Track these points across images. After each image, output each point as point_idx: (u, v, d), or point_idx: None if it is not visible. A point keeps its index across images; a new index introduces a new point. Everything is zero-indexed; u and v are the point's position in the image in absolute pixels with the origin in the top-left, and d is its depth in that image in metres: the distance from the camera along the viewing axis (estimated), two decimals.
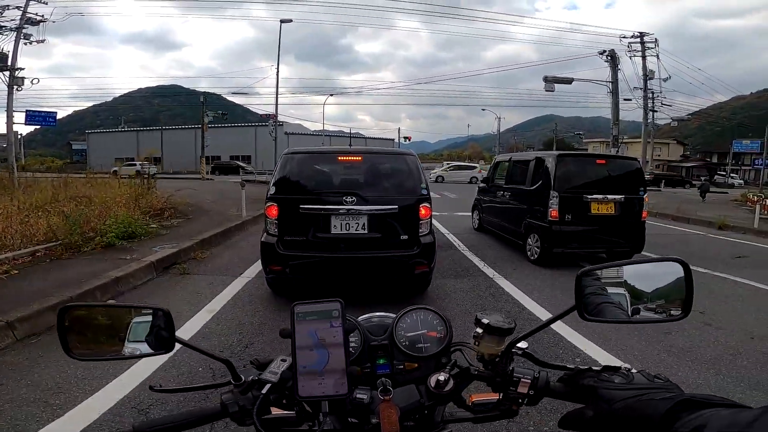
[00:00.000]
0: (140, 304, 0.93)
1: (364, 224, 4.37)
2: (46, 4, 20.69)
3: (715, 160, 65.56)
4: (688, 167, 58.64)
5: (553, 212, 6.44)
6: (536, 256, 6.70)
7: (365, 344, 0.94)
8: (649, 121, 29.53)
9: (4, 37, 19.99)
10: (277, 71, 28.38)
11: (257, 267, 5.72)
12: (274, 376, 0.82)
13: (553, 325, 3.57)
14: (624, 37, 27.24)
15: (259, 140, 52.19)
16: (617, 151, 23.79)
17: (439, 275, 5.60)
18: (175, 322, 0.84)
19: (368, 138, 75.62)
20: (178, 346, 0.86)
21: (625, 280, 0.83)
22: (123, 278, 4.99)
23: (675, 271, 0.81)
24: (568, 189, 6.50)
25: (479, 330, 0.89)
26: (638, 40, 27.09)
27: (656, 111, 29.88)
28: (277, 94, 28.77)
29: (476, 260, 6.84)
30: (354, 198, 4.35)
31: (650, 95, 28.62)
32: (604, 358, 3.43)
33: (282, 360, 0.86)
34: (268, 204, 4.44)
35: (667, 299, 0.82)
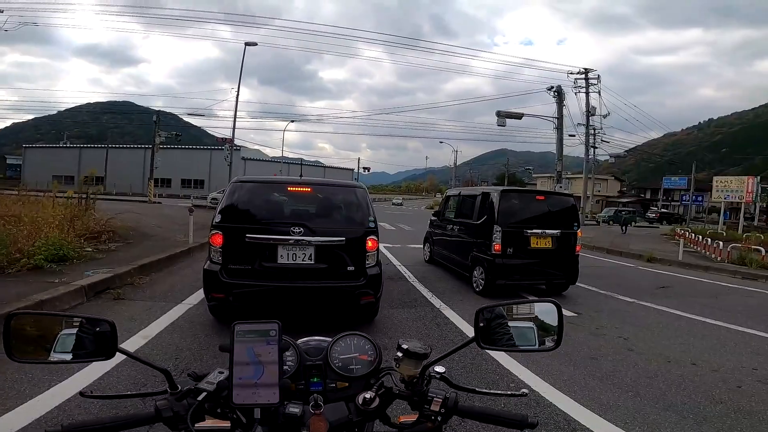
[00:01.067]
0: (87, 315, 0.97)
1: (311, 255, 4.40)
2: (2, 12, 19.60)
3: (648, 195, 71.53)
4: (624, 202, 63.26)
5: (497, 246, 6.72)
6: (481, 287, 6.91)
7: (301, 363, 1.02)
8: (590, 157, 31.15)
9: None
10: (237, 94, 28.07)
11: (200, 294, 5.52)
12: (211, 386, 0.87)
13: (494, 354, 3.77)
14: (571, 73, 28.81)
15: (213, 164, 50.85)
16: (560, 187, 25.21)
17: (387, 305, 5.66)
18: None
19: (327, 167, 75.82)
20: (119, 356, 0.92)
21: (536, 316, 1.03)
22: (48, 301, 4.63)
23: (552, 310, 1.03)
24: (511, 224, 6.83)
25: (399, 354, 0.99)
26: (583, 76, 28.67)
27: (597, 147, 31.59)
28: (235, 117, 28.44)
29: (425, 291, 6.97)
30: (302, 229, 4.38)
31: (592, 131, 30.25)
32: (534, 381, 3.63)
33: (219, 372, 0.91)
34: (213, 232, 4.39)
35: (547, 332, 1.03)
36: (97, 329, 0.94)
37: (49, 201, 10.65)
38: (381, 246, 4.88)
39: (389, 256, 10.31)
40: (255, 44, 28.75)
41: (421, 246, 10.61)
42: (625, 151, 42.01)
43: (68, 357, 0.94)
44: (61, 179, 35.35)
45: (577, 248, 7.29)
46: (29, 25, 22.57)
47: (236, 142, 30.39)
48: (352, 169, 67.52)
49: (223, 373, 0.90)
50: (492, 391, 1.05)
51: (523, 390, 1.03)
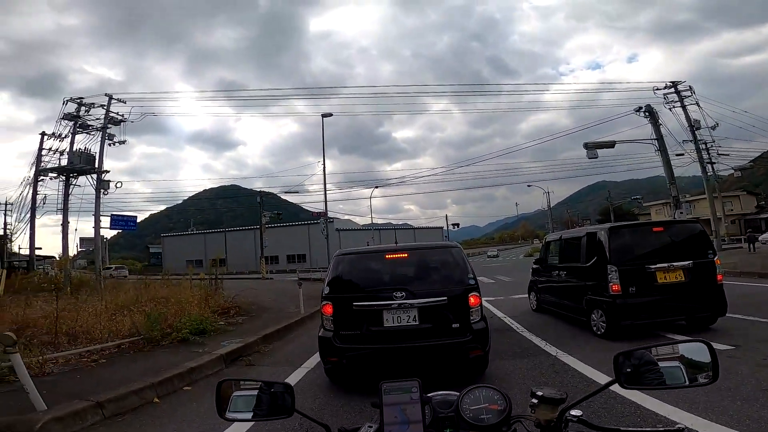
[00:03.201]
0: (269, 380, 1.20)
1: (415, 316, 4.53)
2: (125, 103, 22.51)
3: None
4: (767, 219, 52.77)
5: (614, 286, 6.26)
6: (603, 330, 6.42)
7: (434, 416, 1.12)
8: (709, 174, 27.13)
9: (91, 137, 21.77)
10: (324, 167, 29.65)
11: (316, 358, 5.89)
12: None
13: (632, 397, 3.41)
14: (658, 89, 26.12)
15: (312, 238, 54.44)
16: (681, 213, 22.28)
17: (498, 357, 5.46)
18: None
19: (416, 228, 76.76)
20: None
21: (682, 355, 1.04)
22: (197, 368, 5.38)
23: (701, 348, 1.03)
24: (628, 261, 6.38)
25: (534, 400, 1.06)
26: (672, 90, 25.95)
27: (714, 162, 27.33)
28: (325, 190, 30.42)
29: (536, 340, 6.62)
30: (403, 293, 4.56)
31: (703, 146, 26.52)
32: (689, 419, 3.32)
33: (369, 426, 1.06)
34: (324, 302, 4.78)
35: (699, 369, 1.03)
36: (272, 390, 1.15)
37: (187, 283, 12.49)
38: (483, 300, 4.85)
39: (492, 308, 9.93)
40: (330, 115, 30.86)
41: (526, 295, 10.15)
42: (751, 161, 35.85)
43: (249, 415, 1.14)
44: (193, 263, 40.98)
45: (719, 277, 6.48)
46: (149, 116, 24.35)
47: (328, 214, 32.49)
48: (441, 228, 67.46)
49: (372, 427, 1.04)
50: (641, 429, 1.03)
51: (679, 425, 1.01)
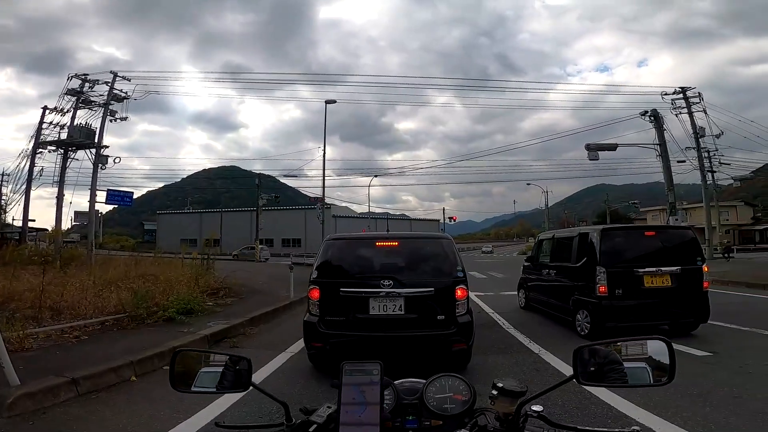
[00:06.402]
0: (229, 352, 1.23)
1: (401, 305, 4.53)
2: (129, 81, 22.37)
3: None
4: (761, 230, 53.10)
5: (602, 288, 6.29)
6: (587, 331, 6.48)
7: (397, 402, 1.11)
8: (708, 182, 27.08)
9: (93, 112, 21.61)
10: (324, 153, 29.37)
11: (301, 343, 5.89)
12: (320, 419, 1.02)
13: (605, 398, 3.44)
14: (666, 94, 25.92)
15: (308, 223, 54.25)
16: (677, 220, 22.30)
17: (481, 352, 5.47)
18: None
19: (413, 220, 76.73)
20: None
21: (650, 356, 1.02)
22: (179, 347, 5.34)
23: (661, 347, 1.01)
24: (617, 263, 6.42)
25: (494, 392, 1.05)
26: (681, 95, 25.77)
27: (715, 171, 27.23)
28: (324, 176, 30.25)
29: (521, 337, 6.65)
30: (391, 281, 4.56)
31: (705, 154, 26.42)
32: (656, 423, 3.35)
33: (327, 407, 1.06)
34: (311, 287, 4.76)
35: (659, 368, 1.01)
36: (237, 367, 1.15)
37: (178, 262, 12.46)
38: (472, 294, 4.87)
39: (481, 304, 9.96)
40: (334, 101, 30.44)
41: (515, 293, 10.16)
42: (752, 172, 35.86)
43: (213, 389, 1.15)
44: (187, 242, 40.95)
45: (705, 284, 6.56)
46: (152, 94, 24.32)
47: (326, 200, 32.34)
48: (438, 220, 67.48)
49: (330, 408, 1.03)
50: (596, 429, 1.02)
51: (634, 427, 0.99)
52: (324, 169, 29.79)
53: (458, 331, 4.52)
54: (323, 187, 30.50)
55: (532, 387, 1.08)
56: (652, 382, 0.99)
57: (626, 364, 0.99)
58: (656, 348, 1.01)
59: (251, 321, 7.50)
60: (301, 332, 5.02)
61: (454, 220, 60.66)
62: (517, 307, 9.60)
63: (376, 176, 47.52)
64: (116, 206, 26.71)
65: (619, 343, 1.03)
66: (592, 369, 1.00)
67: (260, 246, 35.53)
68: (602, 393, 3.80)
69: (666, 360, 1.00)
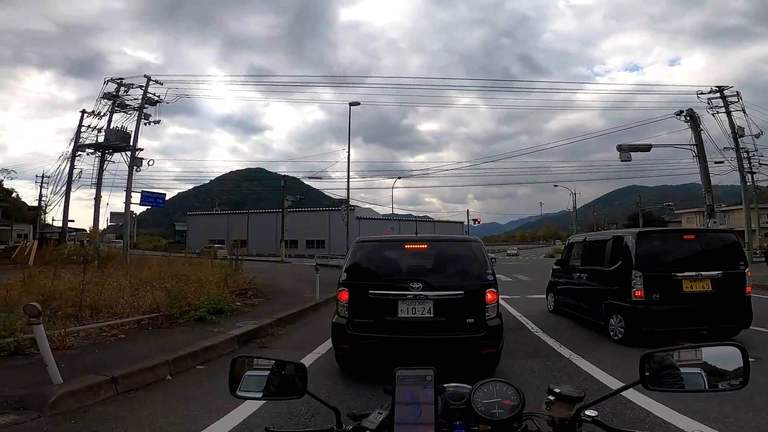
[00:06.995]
0: (285, 359, 1.19)
1: (430, 308, 4.48)
2: (162, 84, 23.27)
3: None
4: None
5: (638, 292, 6.11)
6: (620, 335, 6.29)
7: (445, 406, 1.09)
8: (748, 184, 26.11)
9: (128, 116, 22.52)
10: (348, 155, 29.60)
11: (327, 344, 5.93)
12: (373, 425, 1.01)
13: (643, 404, 3.32)
14: (702, 93, 25.10)
15: (332, 224, 54.66)
16: (715, 222, 21.38)
17: (510, 356, 5.38)
18: None
19: (437, 222, 76.21)
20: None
21: (705, 362, 1.02)
22: (211, 347, 5.51)
23: (735, 353, 1.02)
24: (654, 268, 6.24)
25: (550, 397, 1.04)
26: (718, 95, 24.90)
27: (755, 172, 26.24)
28: (348, 177, 30.43)
29: (551, 341, 6.51)
30: (420, 284, 4.52)
31: (744, 155, 25.46)
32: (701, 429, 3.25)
33: (379, 413, 1.04)
34: (340, 289, 4.77)
35: (731, 375, 1.02)
36: (284, 372, 1.13)
37: (208, 262, 12.80)
38: (499, 297, 4.79)
39: (508, 307, 9.80)
40: (358, 104, 30.66)
41: (543, 296, 10.00)
42: None
43: (259, 395, 1.14)
44: (215, 242, 41.94)
45: (748, 289, 6.30)
46: (183, 98, 24.94)
47: (350, 202, 32.47)
48: (462, 222, 66.86)
49: (382, 413, 1.02)
50: None
51: (695, 431, 0.99)
52: (348, 171, 30.06)
53: (488, 334, 4.45)
54: (348, 188, 30.79)
55: None
56: (709, 387, 0.99)
57: (696, 370, 1.00)
58: (725, 354, 1.01)
59: (278, 322, 7.60)
60: (328, 333, 5.05)
61: (479, 222, 60.06)
62: (545, 310, 9.45)
63: (399, 177, 47.65)
64: (149, 207, 27.68)
65: (687, 349, 1.03)
66: (661, 375, 1.00)
67: (283, 248, 36.01)
68: (637, 397, 3.69)
69: (733, 366, 1.00)
